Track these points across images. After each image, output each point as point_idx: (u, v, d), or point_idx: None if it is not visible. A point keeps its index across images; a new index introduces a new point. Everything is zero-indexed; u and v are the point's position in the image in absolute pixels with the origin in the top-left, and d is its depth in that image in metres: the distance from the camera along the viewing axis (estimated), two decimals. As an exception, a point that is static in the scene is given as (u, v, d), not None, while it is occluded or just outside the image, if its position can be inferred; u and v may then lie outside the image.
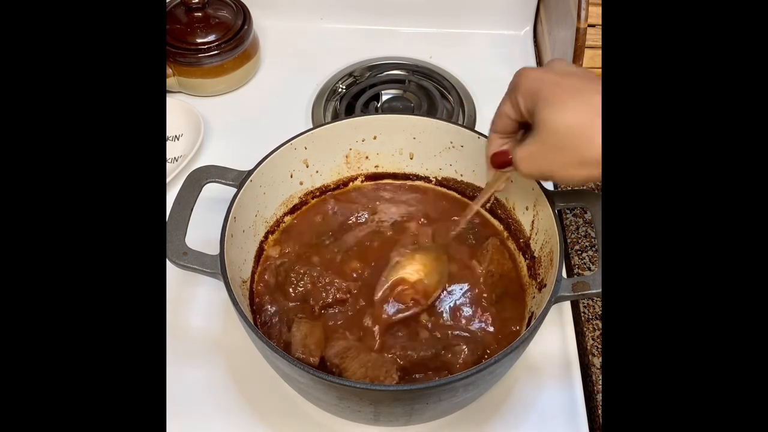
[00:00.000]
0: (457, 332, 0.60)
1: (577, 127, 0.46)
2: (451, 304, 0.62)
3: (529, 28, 0.98)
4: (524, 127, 0.52)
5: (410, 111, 0.86)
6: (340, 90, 0.90)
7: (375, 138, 0.69)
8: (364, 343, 0.59)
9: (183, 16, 0.87)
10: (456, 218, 0.64)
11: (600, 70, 0.74)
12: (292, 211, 0.69)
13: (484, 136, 0.63)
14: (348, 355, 0.57)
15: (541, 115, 0.47)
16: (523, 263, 0.65)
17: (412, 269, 0.62)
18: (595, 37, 0.73)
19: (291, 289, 0.62)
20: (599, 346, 0.65)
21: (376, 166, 0.71)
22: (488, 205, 0.69)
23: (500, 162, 0.53)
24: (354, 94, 0.89)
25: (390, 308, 0.60)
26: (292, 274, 0.62)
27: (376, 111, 0.87)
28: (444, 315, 0.61)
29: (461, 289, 0.63)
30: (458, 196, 0.70)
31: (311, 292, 0.62)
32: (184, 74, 0.87)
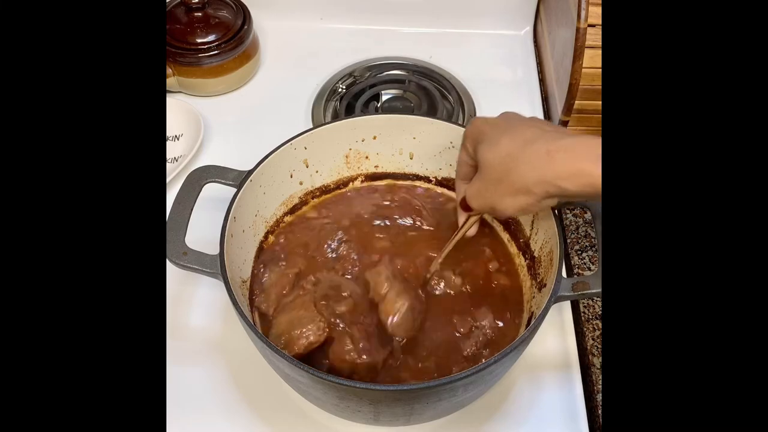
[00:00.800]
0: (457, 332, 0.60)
1: (507, 159, 0.50)
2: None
3: (529, 28, 0.98)
4: None
5: (410, 111, 0.86)
6: (340, 90, 0.90)
7: (375, 138, 0.69)
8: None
9: (183, 16, 0.87)
10: (433, 255, 0.64)
11: (600, 70, 0.74)
12: (292, 211, 0.69)
13: (484, 136, 0.64)
14: (285, 307, 0.58)
15: (480, 154, 0.53)
16: (523, 263, 0.65)
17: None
18: (595, 37, 0.73)
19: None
20: (599, 346, 0.65)
21: (376, 166, 0.71)
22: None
23: (465, 205, 0.57)
24: (354, 94, 0.89)
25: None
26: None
27: (376, 111, 0.87)
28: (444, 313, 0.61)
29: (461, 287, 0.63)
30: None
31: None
32: (184, 74, 0.87)
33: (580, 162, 0.46)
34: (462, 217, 0.60)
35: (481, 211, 0.57)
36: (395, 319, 0.58)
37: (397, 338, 0.58)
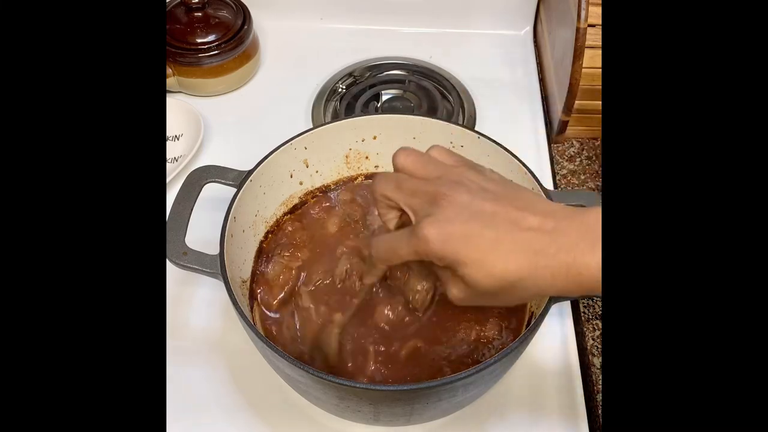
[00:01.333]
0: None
1: (504, 284, 0.44)
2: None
3: (529, 28, 0.98)
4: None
5: (410, 111, 0.86)
6: (340, 90, 0.90)
7: (375, 138, 0.69)
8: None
9: (183, 16, 0.87)
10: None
11: (600, 70, 0.74)
12: (292, 211, 0.69)
13: (485, 136, 0.64)
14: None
15: (466, 277, 0.44)
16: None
17: None
18: (595, 37, 0.73)
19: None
20: (599, 346, 0.65)
21: (376, 166, 0.71)
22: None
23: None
24: (354, 94, 0.89)
25: None
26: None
27: (376, 111, 0.87)
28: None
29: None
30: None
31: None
32: (184, 74, 0.87)
33: (582, 282, 0.43)
34: (381, 269, 0.54)
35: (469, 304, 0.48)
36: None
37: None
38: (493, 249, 0.43)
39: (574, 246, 0.42)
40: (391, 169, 0.49)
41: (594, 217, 0.43)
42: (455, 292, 0.46)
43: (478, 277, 0.43)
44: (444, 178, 0.46)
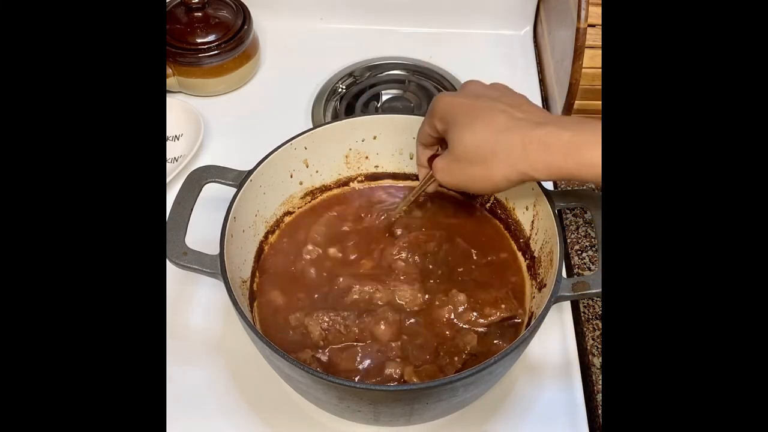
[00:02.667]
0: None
1: (481, 146, 0.52)
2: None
3: (529, 28, 0.98)
4: (443, 142, 0.59)
5: (410, 111, 0.86)
6: (340, 90, 0.90)
7: (375, 138, 0.69)
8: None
9: (183, 16, 0.87)
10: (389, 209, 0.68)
11: (600, 70, 0.74)
12: (292, 211, 0.69)
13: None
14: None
15: (452, 135, 0.55)
16: (523, 263, 0.65)
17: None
18: (595, 37, 0.73)
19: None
20: (599, 346, 0.65)
21: (376, 166, 0.71)
22: (488, 205, 0.69)
23: (429, 164, 0.61)
24: (354, 94, 0.89)
25: None
26: None
27: (376, 111, 0.87)
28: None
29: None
30: (458, 195, 0.70)
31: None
32: (184, 74, 0.87)
33: (552, 156, 0.50)
34: (423, 172, 0.62)
35: (448, 185, 0.58)
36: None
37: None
38: (484, 122, 0.52)
39: (551, 130, 0.50)
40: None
41: (564, 117, 0.52)
42: (440, 163, 0.57)
43: (460, 137, 0.53)
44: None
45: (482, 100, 0.54)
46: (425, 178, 0.62)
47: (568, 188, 0.77)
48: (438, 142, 0.60)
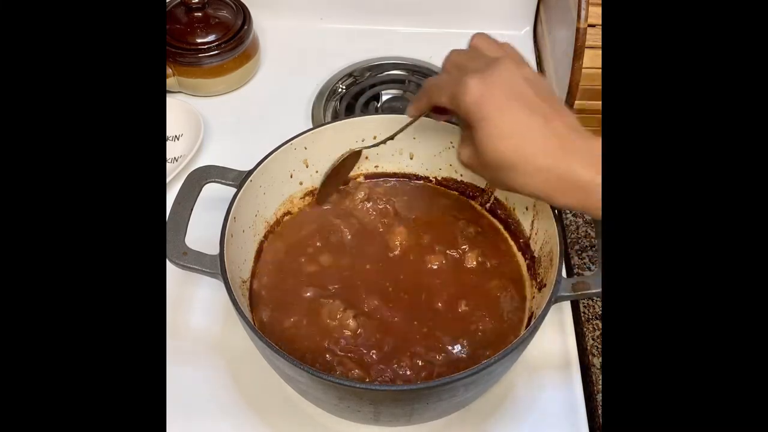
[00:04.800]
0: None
1: (510, 160, 0.48)
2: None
3: (529, 28, 0.98)
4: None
5: (410, 111, 0.86)
6: (340, 90, 0.90)
7: (375, 138, 0.69)
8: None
9: (183, 16, 0.87)
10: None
11: (600, 70, 0.74)
12: (292, 211, 0.69)
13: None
14: None
15: (480, 137, 0.48)
16: (522, 263, 0.65)
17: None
18: (595, 37, 0.73)
19: None
20: (599, 346, 0.65)
21: (376, 166, 0.71)
22: (488, 205, 0.69)
23: (440, 110, 0.57)
24: (354, 94, 0.89)
25: None
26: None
27: (376, 111, 0.87)
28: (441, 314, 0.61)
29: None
30: (458, 195, 0.70)
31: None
32: (184, 74, 0.87)
33: (589, 199, 0.46)
34: (415, 114, 0.59)
35: (468, 168, 0.53)
36: None
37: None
38: (517, 129, 0.47)
39: (592, 175, 0.45)
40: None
41: (597, 145, 0.46)
42: (464, 153, 0.52)
43: (488, 147, 0.48)
44: (503, 56, 0.51)
45: (514, 96, 0.48)
46: (413, 120, 0.60)
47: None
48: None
